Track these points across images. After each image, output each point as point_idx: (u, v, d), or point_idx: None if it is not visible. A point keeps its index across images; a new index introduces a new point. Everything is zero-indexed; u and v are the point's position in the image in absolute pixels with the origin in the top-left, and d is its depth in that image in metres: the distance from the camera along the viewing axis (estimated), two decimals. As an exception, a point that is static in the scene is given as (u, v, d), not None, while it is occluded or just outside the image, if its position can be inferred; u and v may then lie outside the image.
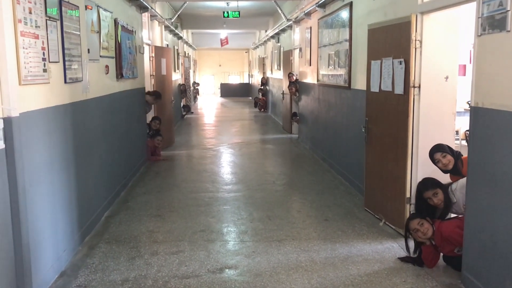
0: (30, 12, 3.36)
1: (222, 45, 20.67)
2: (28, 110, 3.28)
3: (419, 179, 4.46)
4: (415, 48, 4.33)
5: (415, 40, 4.32)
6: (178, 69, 15.07)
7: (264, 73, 19.31)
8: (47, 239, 3.64)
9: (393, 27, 4.61)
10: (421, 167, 4.47)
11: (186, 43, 18.65)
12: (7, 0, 2.96)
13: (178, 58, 15.16)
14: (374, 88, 4.98)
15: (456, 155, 4.15)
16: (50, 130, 3.74)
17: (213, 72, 33.72)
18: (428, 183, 4.03)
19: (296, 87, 10.81)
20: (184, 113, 16.21)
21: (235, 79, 33.41)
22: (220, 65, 33.51)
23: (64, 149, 4.06)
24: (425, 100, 4.41)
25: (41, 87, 3.56)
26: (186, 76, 17.72)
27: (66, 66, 4.11)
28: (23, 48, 3.22)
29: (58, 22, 3.96)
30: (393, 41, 4.62)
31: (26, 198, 3.19)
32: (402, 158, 4.54)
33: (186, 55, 19.18)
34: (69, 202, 4.18)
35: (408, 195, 4.52)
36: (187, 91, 17.34)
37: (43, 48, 3.58)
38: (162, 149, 9.06)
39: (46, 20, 3.66)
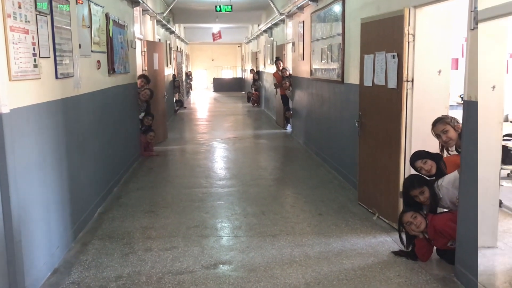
0: (20, 7, 3.31)
1: (214, 39, 20.58)
2: (19, 107, 3.25)
3: (412, 172, 4.48)
4: (408, 42, 4.33)
5: (408, 34, 4.32)
6: (170, 63, 15.00)
7: (256, 68, 19.26)
8: (40, 236, 3.61)
9: (386, 21, 4.60)
10: (414, 161, 4.48)
11: (179, 37, 18.55)
12: (-5, -6, 2.92)
13: (170, 53, 15.08)
14: (367, 82, 4.98)
15: (437, 157, 4.13)
16: (41, 126, 3.70)
17: (205, 67, 33.61)
18: (414, 182, 4.00)
19: (290, 81, 10.80)
20: (177, 108, 16.16)
21: (228, 74, 33.31)
22: (212, 60, 33.40)
23: (56, 145, 4.02)
24: (418, 94, 4.42)
25: (32, 82, 3.52)
26: (179, 71, 17.63)
27: (57, 62, 4.06)
28: (13, 43, 3.17)
29: (49, 16, 3.91)
30: (386, 35, 4.62)
31: (18, 195, 3.16)
32: (395, 152, 4.55)
33: (179, 49, 19.08)
34: (62, 198, 4.15)
35: (401, 189, 4.52)
36: (180, 86, 17.27)
37: (33, 43, 3.53)
38: (155, 144, 9.03)
39: (36, 14, 3.62)
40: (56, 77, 4.05)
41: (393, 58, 4.45)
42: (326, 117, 7.63)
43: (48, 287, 3.55)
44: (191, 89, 25.25)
